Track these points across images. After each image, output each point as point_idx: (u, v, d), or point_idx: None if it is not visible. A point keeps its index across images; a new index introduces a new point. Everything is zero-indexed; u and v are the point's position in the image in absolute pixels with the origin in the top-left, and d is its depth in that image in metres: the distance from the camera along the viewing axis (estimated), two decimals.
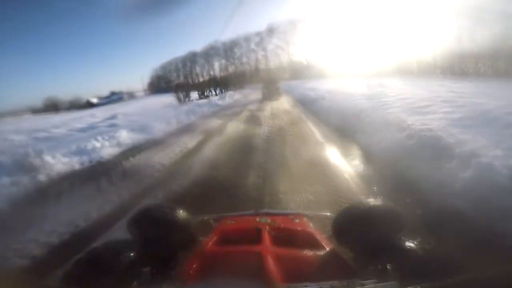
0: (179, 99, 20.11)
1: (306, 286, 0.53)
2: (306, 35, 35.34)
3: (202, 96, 24.02)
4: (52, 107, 35.66)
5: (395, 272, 0.53)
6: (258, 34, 37.71)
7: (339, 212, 0.75)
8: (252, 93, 20.81)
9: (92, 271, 0.53)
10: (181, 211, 0.77)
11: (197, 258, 0.72)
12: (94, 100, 50.19)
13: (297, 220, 1.01)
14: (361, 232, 0.65)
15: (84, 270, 0.54)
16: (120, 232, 1.84)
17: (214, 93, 25.93)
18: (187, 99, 20.86)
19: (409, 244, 0.56)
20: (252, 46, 37.94)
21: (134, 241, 0.65)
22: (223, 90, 25.91)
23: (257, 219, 0.96)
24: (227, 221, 1.05)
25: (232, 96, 20.25)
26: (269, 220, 0.94)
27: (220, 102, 16.26)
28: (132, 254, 0.59)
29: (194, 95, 24.08)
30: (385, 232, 0.62)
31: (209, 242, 0.82)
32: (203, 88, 26.41)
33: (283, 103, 12.62)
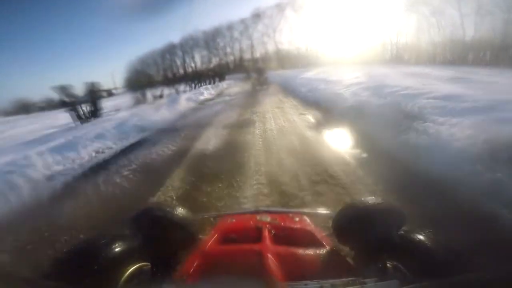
0: (78, 117, 9.24)
1: (306, 284, 0.53)
2: (296, 20, 33.43)
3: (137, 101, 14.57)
4: (23, 108, 33.24)
5: (396, 270, 0.54)
6: (242, 21, 36.55)
7: (339, 210, 0.76)
8: (233, 87, 18.53)
9: (91, 269, 0.52)
10: (181, 209, 0.77)
11: (197, 256, 0.73)
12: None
13: (297, 219, 1.01)
14: (361, 230, 0.66)
15: (82, 267, 0.52)
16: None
17: (183, 89, 18.74)
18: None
19: (410, 242, 0.57)
20: (236, 34, 36.79)
21: (134, 239, 0.64)
22: (195, 85, 20.04)
23: (257, 218, 0.96)
24: (227, 220, 1.05)
25: (202, 93, 14.28)
26: (269, 219, 0.95)
27: (165, 115, 7.97)
28: (132, 253, 0.58)
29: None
30: (385, 230, 0.63)
31: (209, 241, 0.82)
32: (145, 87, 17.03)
33: (291, 118, 5.63)
